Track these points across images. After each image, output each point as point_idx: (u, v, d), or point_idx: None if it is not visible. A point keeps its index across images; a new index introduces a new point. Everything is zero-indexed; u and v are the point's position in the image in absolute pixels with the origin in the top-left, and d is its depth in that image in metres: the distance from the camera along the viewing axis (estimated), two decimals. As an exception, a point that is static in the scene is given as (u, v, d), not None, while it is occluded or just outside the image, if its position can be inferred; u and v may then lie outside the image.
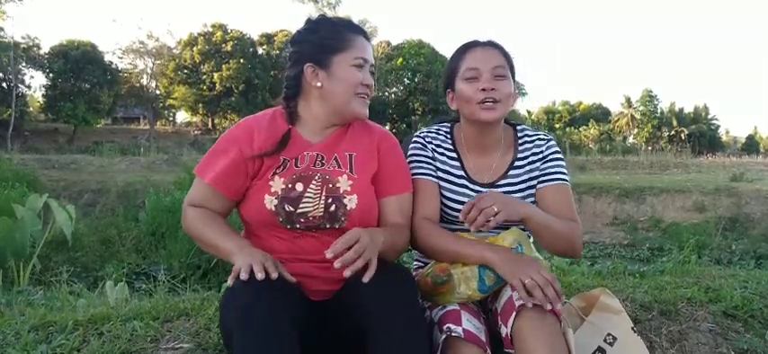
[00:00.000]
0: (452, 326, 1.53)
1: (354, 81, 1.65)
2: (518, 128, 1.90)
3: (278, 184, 1.61)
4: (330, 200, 1.62)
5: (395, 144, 1.79)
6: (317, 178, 1.63)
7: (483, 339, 1.56)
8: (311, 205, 1.61)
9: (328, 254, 1.43)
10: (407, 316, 1.42)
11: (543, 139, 1.86)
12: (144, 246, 10.59)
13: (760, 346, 2.26)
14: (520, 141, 1.87)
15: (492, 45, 1.80)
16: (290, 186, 1.61)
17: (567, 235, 1.69)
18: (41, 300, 2.97)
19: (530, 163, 1.83)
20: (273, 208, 1.60)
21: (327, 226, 1.62)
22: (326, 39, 1.67)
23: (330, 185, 1.63)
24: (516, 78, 1.83)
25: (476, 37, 1.83)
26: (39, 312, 2.18)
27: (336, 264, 1.41)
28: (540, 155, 1.83)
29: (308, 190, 1.61)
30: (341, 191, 1.63)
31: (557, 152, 1.85)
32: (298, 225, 1.61)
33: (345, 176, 1.65)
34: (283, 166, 1.64)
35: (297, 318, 1.41)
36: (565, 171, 1.83)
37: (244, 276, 1.39)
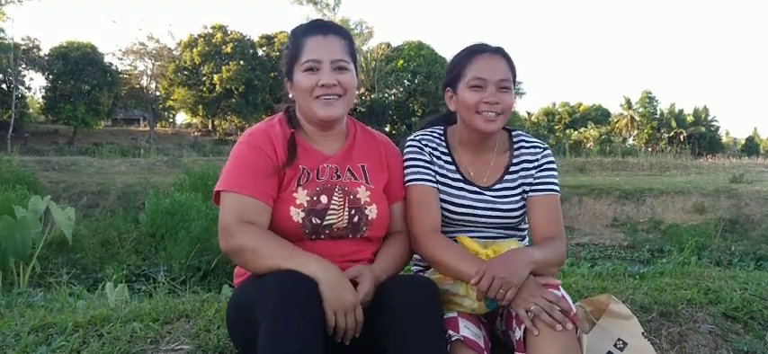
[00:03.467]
0: (452, 332, 1.54)
1: (306, 86, 1.64)
2: (513, 133, 1.91)
3: (302, 196, 1.62)
4: (353, 211, 1.66)
5: (397, 152, 1.84)
6: (337, 190, 1.66)
7: (481, 344, 1.57)
8: (336, 216, 1.64)
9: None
10: (430, 322, 1.46)
11: (539, 147, 1.87)
12: (144, 248, 10.60)
13: (760, 347, 2.26)
14: (515, 146, 1.88)
15: (499, 54, 1.78)
16: (314, 198, 1.63)
17: (556, 261, 1.72)
18: (41, 302, 2.97)
19: (524, 170, 1.84)
20: (300, 221, 1.61)
21: (349, 236, 1.66)
22: (289, 50, 1.71)
23: (351, 197, 1.67)
24: (516, 84, 1.84)
25: (483, 41, 1.82)
26: (38, 313, 2.18)
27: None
28: (535, 163, 1.85)
29: (332, 202, 1.64)
30: (362, 202, 1.68)
31: (550, 161, 1.86)
32: (322, 236, 1.63)
33: (363, 187, 1.70)
34: (306, 177, 1.65)
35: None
36: (556, 181, 1.85)
37: (330, 321, 1.41)
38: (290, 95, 1.73)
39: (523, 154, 1.86)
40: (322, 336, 1.38)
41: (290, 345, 1.30)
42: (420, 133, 1.91)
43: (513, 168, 1.85)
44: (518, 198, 1.83)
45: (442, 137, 1.89)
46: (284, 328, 1.31)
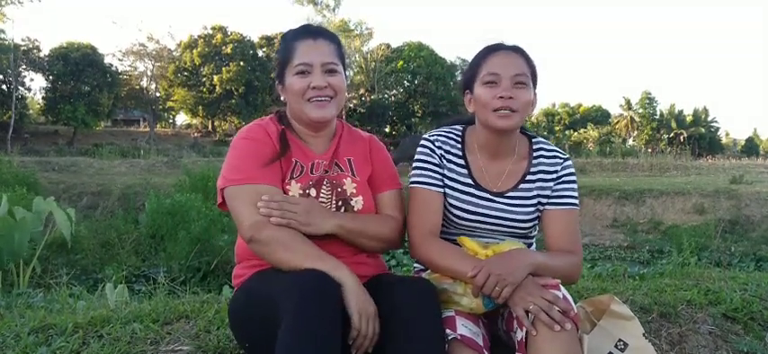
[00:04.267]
0: (449, 331, 1.54)
1: (298, 88, 1.68)
2: (534, 139, 1.85)
3: (295, 189, 1.66)
4: (340, 203, 1.69)
5: (382, 147, 1.89)
6: (325, 183, 1.69)
7: (480, 343, 1.56)
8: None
9: None
10: (430, 323, 1.48)
11: (560, 158, 1.81)
12: (144, 249, 10.57)
13: (760, 348, 2.26)
14: (535, 153, 1.81)
15: (516, 51, 1.73)
16: (306, 192, 1.66)
17: (567, 273, 1.67)
18: (41, 303, 2.96)
19: (542, 180, 1.78)
20: None
21: None
22: (280, 54, 1.76)
23: (338, 189, 1.70)
24: (537, 86, 1.76)
25: (500, 40, 1.77)
26: (38, 314, 2.18)
27: None
28: (554, 174, 1.79)
29: (321, 195, 1.68)
30: (348, 194, 1.71)
31: (571, 173, 1.80)
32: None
33: (349, 179, 1.74)
34: (299, 170, 1.69)
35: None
36: (575, 194, 1.79)
37: (356, 323, 1.43)
38: (282, 98, 1.77)
39: (542, 164, 1.79)
40: (340, 338, 1.40)
41: (313, 344, 1.31)
42: (436, 132, 1.86)
43: (530, 177, 1.79)
44: (532, 209, 1.78)
45: (460, 138, 1.84)
46: (306, 325, 1.32)
